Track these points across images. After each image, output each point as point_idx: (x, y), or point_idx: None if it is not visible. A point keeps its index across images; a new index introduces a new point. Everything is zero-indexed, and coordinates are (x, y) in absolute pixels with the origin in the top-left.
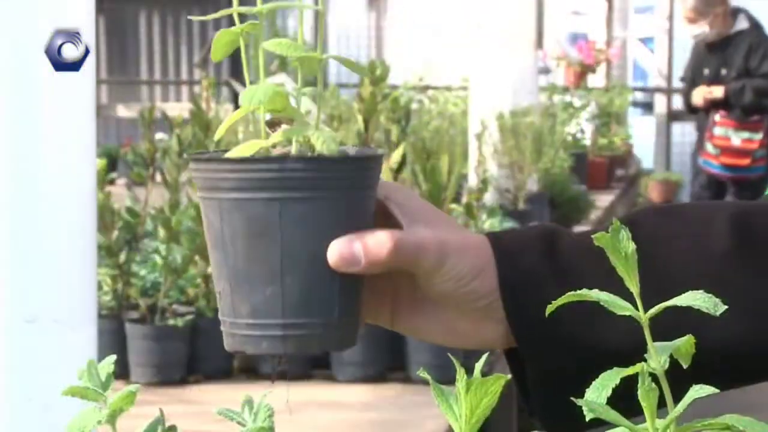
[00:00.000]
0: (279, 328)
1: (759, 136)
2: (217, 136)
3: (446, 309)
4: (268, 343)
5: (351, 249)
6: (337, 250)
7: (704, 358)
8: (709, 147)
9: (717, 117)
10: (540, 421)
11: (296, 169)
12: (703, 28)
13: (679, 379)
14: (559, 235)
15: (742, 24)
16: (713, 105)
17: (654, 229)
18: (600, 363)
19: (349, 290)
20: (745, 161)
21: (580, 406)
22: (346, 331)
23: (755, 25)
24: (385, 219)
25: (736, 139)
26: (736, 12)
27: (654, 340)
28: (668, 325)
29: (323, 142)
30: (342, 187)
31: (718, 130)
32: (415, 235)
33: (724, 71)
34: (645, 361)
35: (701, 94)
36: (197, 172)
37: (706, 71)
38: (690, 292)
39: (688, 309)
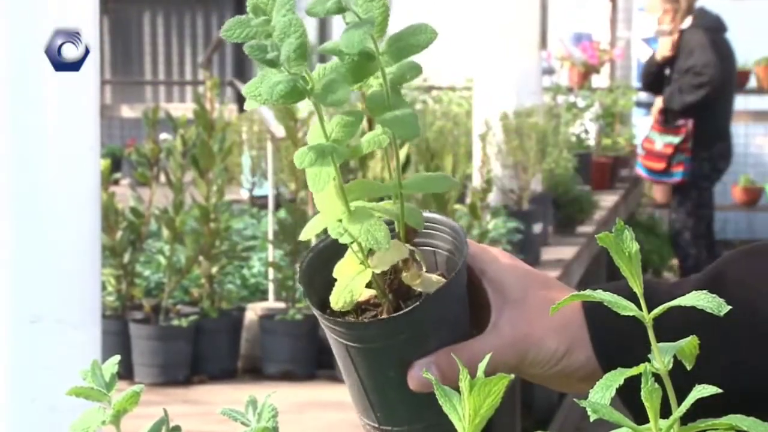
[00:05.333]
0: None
1: (677, 140)
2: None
3: (552, 381)
4: None
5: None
6: (416, 378)
7: None
8: (640, 149)
9: (653, 120)
10: None
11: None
12: (656, 23)
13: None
14: (651, 283)
15: (686, 23)
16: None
17: (744, 275)
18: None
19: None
20: (661, 165)
21: None
22: None
23: (696, 24)
24: (480, 294)
25: (660, 142)
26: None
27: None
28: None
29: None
30: (420, 329)
31: (649, 133)
32: (491, 342)
33: (667, 72)
34: (733, 411)
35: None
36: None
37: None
38: (693, 292)
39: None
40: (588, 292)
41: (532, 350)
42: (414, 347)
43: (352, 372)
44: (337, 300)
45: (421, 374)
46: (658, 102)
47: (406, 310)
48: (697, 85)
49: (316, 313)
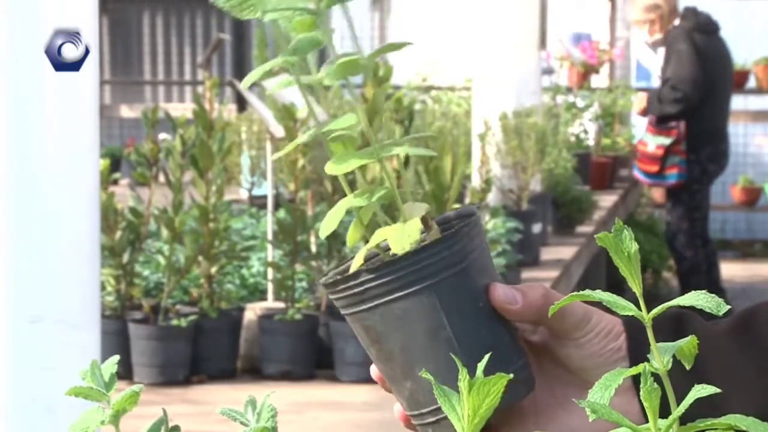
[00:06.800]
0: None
1: (668, 142)
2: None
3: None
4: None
5: (510, 290)
6: (500, 289)
7: None
8: (637, 152)
9: (647, 122)
10: None
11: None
12: (647, 35)
13: None
14: (689, 318)
15: (675, 24)
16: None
17: None
18: None
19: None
20: (654, 168)
21: None
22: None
23: (682, 25)
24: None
25: (652, 145)
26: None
27: None
28: None
29: (398, 243)
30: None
31: (644, 135)
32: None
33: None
34: None
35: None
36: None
37: None
38: (693, 292)
39: None
40: (587, 292)
41: (595, 316)
42: (483, 270)
43: (441, 326)
44: (402, 246)
45: (503, 288)
46: (641, 98)
47: (473, 219)
48: (673, 100)
49: (380, 261)
